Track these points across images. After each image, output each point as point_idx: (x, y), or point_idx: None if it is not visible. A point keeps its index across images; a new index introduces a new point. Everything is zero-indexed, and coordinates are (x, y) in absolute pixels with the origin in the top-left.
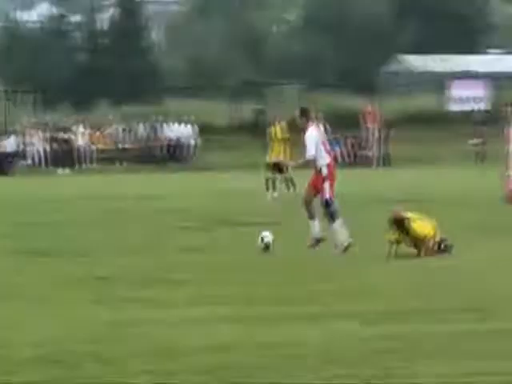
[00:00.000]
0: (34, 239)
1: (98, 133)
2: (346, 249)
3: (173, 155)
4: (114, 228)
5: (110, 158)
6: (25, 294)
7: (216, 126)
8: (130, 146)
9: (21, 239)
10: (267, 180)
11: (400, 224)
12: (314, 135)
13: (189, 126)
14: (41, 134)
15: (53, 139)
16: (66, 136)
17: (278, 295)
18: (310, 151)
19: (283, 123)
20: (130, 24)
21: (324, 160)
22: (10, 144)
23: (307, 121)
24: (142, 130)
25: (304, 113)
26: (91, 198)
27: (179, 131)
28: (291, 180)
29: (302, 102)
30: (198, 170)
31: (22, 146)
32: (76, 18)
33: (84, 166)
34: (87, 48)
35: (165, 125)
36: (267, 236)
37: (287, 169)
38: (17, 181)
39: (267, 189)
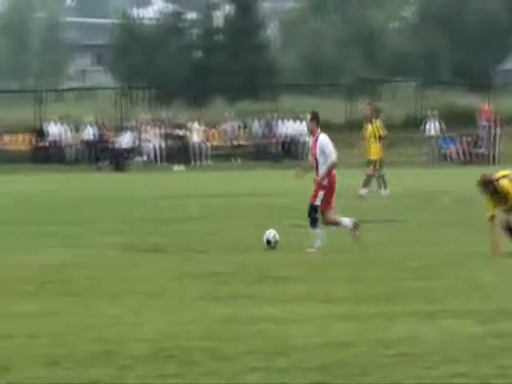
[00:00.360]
0: (149, 235)
1: (213, 129)
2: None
3: (288, 152)
4: (228, 225)
5: (225, 155)
6: (139, 290)
7: (332, 124)
8: (245, 143)
9: (136, 235)
10: (377, 178)
11: (487, 185)
12: (329, 140)
13: (304, 123)
14: (156, 130)
15: (168, 136)
16: (181, 132)
17: (389, 292)
18: (334, 154)
19: (379, 121)
20: (245, 21)
21: (327, 171)
22: (125, 140)
23: (317, 125)
24: (257, 126)
25: (315, 117)
26: (206, 194)
27: (294, 128)
28: (369, 179)
29: (417, 99)
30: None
31: (137, 142)
32: (192, 16)
33: (199, 162)
34: (203, 45)
35: (280, 122)
36: (270, 235)
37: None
38: (132, 177)
39: (378, 186)
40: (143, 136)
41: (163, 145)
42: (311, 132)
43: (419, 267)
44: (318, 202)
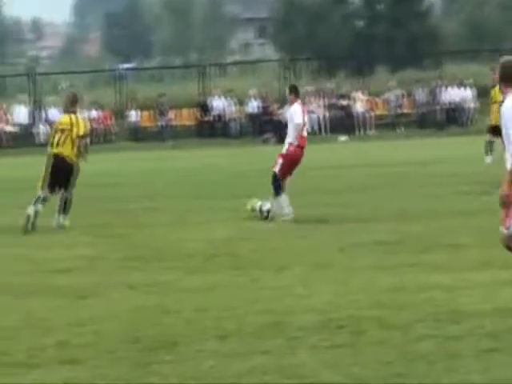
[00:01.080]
0: (314, 206)
1: (376, 99)
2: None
3: (452, 119)
4: (393, 194)
5: (389, 124)
6: (306, 261)
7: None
8: (409, 111)
9: (301, 207)
10: (486, 143)
11: None
12: (300, 109)
13: (468, 90)
14: (320, 101)
15: (332, 106)
16: (344, 103)
17: None
18: (298, 119)
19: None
20: None
21: (291, 139)
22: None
23: (295, 97)
24: (420, 94)
25: (293, 89)
26: (370, 164)
27: (459, 95)
28: (490, 145)
29: None
30: (476, 133)
31: None
32: None
33: (363, 132)
34: (365, 14)
35: (443, 89)
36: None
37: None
38: None
39: (486, 152)
40: (307, 107)
41: (327, 115)
42: (290, 103)
43: None
44: (276, 170)
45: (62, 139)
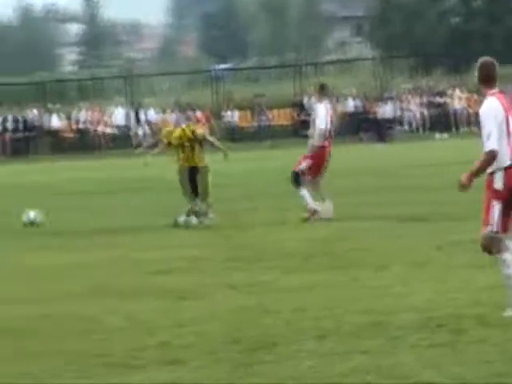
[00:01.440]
0: (411, 204)
1: (474, 96)
2: (315, 213)
3: None
4: None
5: None
6: (405, 260)
7: None
8: None
9: (398, 205)
10: None
11: None
12: (325, 112)
13: None
14: (417, 99)
15: (430, 104)
16: (442, 100)
17: None
18: (322, 124)
19: None
20: None
21: (316, 142)
22: (387, 110)
23: (324, 96)
24: None
25: (323, 88)
26: (468, 161)
27: None
28: None
29: None
30: None
31: (398, 112)
32: None
33: (461, 129)
34: (461, 11)
35: None
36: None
37: None
38: (394, 147)
39: None
40: (404, 105)
41: (425, 113)
42: (317, 101)
43: None
44: (299, 168)
45: (190, 153)
